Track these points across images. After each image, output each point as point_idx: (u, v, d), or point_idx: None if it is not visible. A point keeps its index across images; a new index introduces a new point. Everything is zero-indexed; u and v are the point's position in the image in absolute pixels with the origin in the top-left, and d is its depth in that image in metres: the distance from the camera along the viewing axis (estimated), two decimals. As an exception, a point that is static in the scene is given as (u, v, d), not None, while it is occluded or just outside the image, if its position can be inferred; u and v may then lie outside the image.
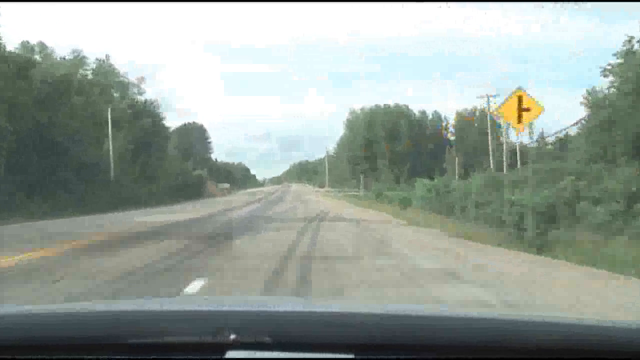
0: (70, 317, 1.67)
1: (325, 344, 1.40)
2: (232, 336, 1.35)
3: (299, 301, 3.38)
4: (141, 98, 56.12)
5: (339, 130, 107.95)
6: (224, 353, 1.34)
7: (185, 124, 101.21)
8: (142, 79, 58.48)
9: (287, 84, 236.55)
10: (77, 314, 1.74)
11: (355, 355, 1.37)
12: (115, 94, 54.36)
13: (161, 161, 60.93)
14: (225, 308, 1.86)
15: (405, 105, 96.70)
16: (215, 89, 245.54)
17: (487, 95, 43.38)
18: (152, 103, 55.13)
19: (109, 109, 40.48)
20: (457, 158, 74.61)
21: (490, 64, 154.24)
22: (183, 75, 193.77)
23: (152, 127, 53.50)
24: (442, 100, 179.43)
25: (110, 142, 40.20)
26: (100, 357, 1.41)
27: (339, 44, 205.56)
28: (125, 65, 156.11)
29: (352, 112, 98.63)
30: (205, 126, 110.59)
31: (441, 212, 22.53)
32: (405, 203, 31.20)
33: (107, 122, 45.86)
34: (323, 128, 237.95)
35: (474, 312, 2.42)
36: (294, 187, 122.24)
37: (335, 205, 38.78)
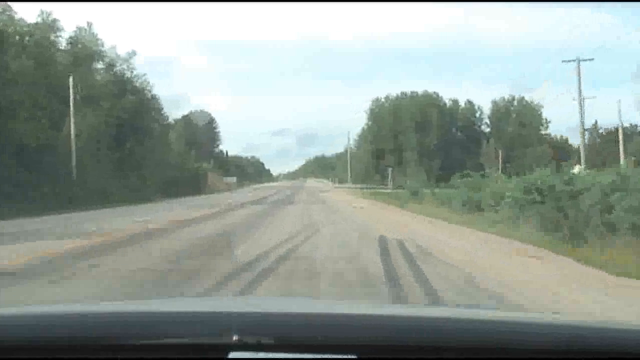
0: (70, 318, 1.64)
1: (328, 344, 1.38)
2: (235, 337, 1.33)
3: (301, 302, 3.12)
4: (130, 74, 46.86)
5: (358, 125, 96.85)
6: (226, 354, 1.33)
7: (190, 112, 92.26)
8: (133, 53, 49.08)
9: (304, 80, 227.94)
10: (78, 315, 1.72)
11: (357, 355, 1.35)
12: (98, 67, 45.35)
13: (152, 149, 51.99)
14: (227, 309, 1.82)
15: (435, 92, 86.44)
16: (233, 86, 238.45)
17: (577, 59, 32.66)
18: (139, 78, 45.66)
19: (70, 79, 31.13)
20: (500, 152, 64.83)
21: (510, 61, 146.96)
22: (201, 72, 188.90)
23: (139, 106, 44.20)
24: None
25: (72, 121, 31.01)
26: (102, 357, 1.40)
27: (358, 40, 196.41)
28: (141, 60, 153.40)
29: (376, 101, 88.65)
30: (223, 123, 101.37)
31: (558, 228, 12.84)
32: (469, 207, 21.51)
33: (77, 96, 36.98)
34: (341, 124, 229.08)
35: (476, 312, 2.28)
36: (310, 182, 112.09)
37: (382, 215, 21.97)
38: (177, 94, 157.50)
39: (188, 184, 54.22)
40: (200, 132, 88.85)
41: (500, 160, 61.58)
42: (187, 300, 4.08)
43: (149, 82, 46.81)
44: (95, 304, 3.13)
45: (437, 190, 51.39)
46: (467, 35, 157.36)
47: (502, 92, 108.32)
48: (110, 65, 46.89)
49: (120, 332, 1.45)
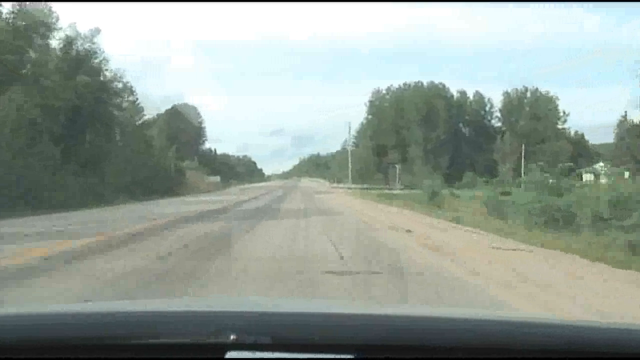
0: (70, 318, 1.62)
1: (325, 344, 1.37)
2: (232, 337, 1.32)
3: (299, 302, 3.18)
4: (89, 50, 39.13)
5: (356, 121, 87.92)
6: (224, 354, 1.31)
7: (174, 105, 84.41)
8: (96, 31, 41.27)
9: (299, 80, 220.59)
10: (77, 315, 1.71)
11: (355, 355, 1.34)
12: (53, 45, 37.68)
13: (122, 143, 44.45)
14: (225, 308, 1.80)
15: (441, 83, 78.83)
16: (227, 86, 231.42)
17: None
18: (96, 55, 37.84)
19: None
20: (522, 146, 57.12)
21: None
22: (194, 71, 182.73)
23: (99, 91, 36.56)
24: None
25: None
26: (100, 357, 1.39)
27: (353, 39, 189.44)
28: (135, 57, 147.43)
29: (376, 93, 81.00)
30: (218, 123, 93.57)
31: None
32: (545, 220, 14.07)
33: (15, 76, 29.39)
34: (336, 124, 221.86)
35: (475, 313, 2.30)
36: (304, 182, 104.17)
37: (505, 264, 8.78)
38: (170, 94, 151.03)
39: (163, 183, 46.64)
40: (184, 127, 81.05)
41: (522, 157, 54.09)
42: (184, 300, 3.91)
43: (108, 61, 38.89)
44: (94, 304, 3.27)
45: (456, 191, 44.15)
46: (465, 32, 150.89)
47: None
48: (69, 44, 39.28)
49: (118, 332, 1.42)
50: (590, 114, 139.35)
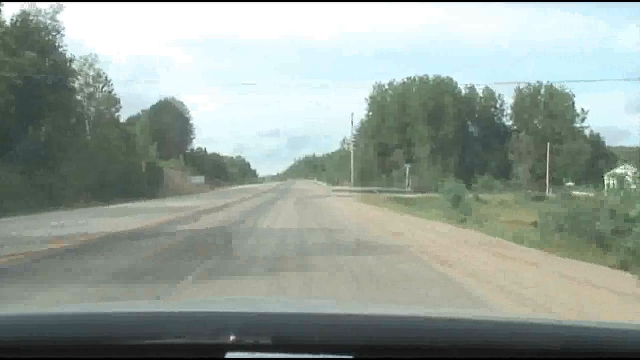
0: (69, 319, 1.61)
1: (325, 344, 1.36)
2: (232, 337, 1.32)
3: (298, 302, 3.20)
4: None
5: (356, 119, 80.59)
6: (223, 354, 1.31)
7: (160, 101, 78.16)
8: (60, 7, 35.15)
9: (296, 81, 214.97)
10: (77, 315, 1.70)
11: (355, 356, 1.34)
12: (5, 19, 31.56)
13: (94, 138, 38.62)
14: (224, 309, 1.80)
15: (448, 77, 72.63)
16: (224, 88, 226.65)
17: None
18: (48, 30, 31.63)
19: None
20: (548, 144, 50.85)
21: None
22: (189, 72, 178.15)
23: (52, 72, 30.44)
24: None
25: None
26: (99, 358, 1.37)
27: (353, 39, 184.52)
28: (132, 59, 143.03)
29: (378, 88, 74.76)
30: (214, 125, 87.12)
31: None
32: None
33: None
34: (333, 125, 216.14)
35: (473, 314, 2.31)
36: (300, 184, 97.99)
37: None
38: (165, 95, 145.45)
39: (139, 184, 40.65)
40: (170, 124, 74.72)
41: (547, 156, 48.07)
42: (184, 301, 4.02)
43: (63, 35, 32.59)
44: (93, 305, 3.26)
45: (481, 195, 38.33)
46: (455, 34, 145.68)
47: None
48: (25, 20, 33.19)
49: (118, 332, 1.41)
50: (601, 116, 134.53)
